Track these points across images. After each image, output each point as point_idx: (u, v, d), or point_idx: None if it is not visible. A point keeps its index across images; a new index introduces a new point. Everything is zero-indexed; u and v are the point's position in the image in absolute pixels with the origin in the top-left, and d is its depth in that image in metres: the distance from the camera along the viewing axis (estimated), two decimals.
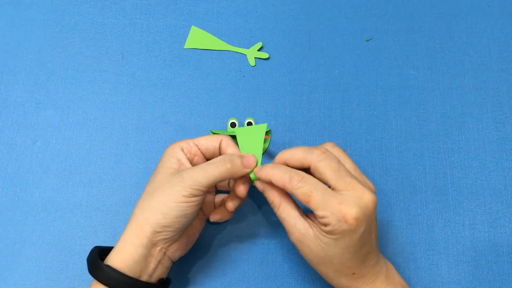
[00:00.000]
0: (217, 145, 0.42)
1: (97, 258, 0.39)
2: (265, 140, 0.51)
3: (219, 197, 0.46)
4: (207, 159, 0.43)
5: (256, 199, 0.50)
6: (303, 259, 0.48)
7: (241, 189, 0.42)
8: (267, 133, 0.52)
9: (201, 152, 0.42)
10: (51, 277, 0.47)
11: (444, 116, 0.53)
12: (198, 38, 0.55)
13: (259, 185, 0.41)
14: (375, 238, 0.40)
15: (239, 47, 0.55)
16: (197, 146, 0.42)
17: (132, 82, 0.54)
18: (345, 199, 0.36)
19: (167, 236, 0.39)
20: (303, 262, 0.48)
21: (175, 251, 0.42)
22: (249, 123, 0.51)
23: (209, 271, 0.47)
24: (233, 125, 0.51)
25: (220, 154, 0.42)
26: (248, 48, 0.55)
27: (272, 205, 0.40)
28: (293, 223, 0.39)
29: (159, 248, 0.40)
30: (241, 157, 0.40)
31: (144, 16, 0.56)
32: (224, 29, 0.56)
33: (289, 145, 0.52)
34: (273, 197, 0.40)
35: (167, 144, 0.51)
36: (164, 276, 0.42)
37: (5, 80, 0.53)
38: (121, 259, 0.38)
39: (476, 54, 0.56)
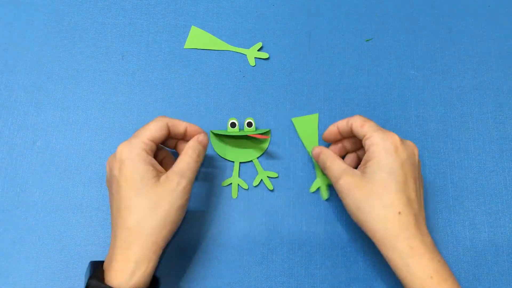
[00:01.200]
0: (167, 131, 0.44)
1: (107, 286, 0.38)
2: (264, 140, 0.51)
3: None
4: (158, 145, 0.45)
5: (255, 200, 0.50)
6: (303, 259, 0.48)
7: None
8: (266, 133, 0.52)
9: (156, 144, 0.43)
10: (51, 277, 0.47)
11: (444, 116, 0.53)
12: (198, 38, 0.55)
13: (316, 149, 0.47)
14: (417, 192, 0.41)
15: (239, 47, 0.55)
16: (153, 142, 0.43)
17: (132, 82, 0.54)
18: (389, 131, 0.43)
19: (172, 236, 0.42)
20: (303, 263, 0.48)
21: None
22: (249, 123, 0.51)
23: (209, 271, 0.47)
24: (233, 125, 0.51)
25: (169, 134, 0.45)
26: (248, 48, 0.55)
27: (325, 162, 0.45)
28: (343, 168, 0.43)
29: (163, 250, 0.41)
30: (200, 142, 0.44)
31: (144, 16, 0.56)
32: (224, 29, 0.56)
33: (289, 145, 0.52)
34: (328, 153, 0.46)
35: None
36: None
37: (5, 80, 0.53)
38: (141, 279, 0.39)
39: (476, 54, 0.56)
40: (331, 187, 0.50)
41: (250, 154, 0.51)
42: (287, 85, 0.54)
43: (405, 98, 0.54)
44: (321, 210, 0.49)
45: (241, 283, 0.47)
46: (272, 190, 0.50)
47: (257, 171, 0.51)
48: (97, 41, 0.55)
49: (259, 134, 0.49)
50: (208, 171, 0.51)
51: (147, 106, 0.53)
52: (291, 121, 0.52)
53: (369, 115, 0.53)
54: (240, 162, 0.51)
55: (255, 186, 0.50)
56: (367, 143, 0.42)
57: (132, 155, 0.41)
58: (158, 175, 0.41)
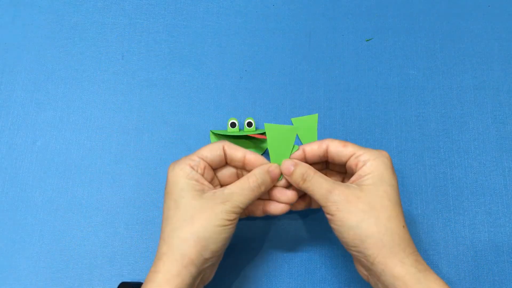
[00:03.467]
0: (222, 153, 0.42)
1: None
2: (265, 140, 0.51)
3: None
4: (214, 169, 0.43)
5: None
6: (303, 259, 0.48)
7: (289, 196, 0.43)
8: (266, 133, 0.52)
9: (209, 164, 0.41)
10: (51, 277, 0.47)
11: (444, 116, 0.53)
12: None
13: (288, 162, 0.41)
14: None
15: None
16: (203, 159, 0.41)
17: (132, 82, 0.54)
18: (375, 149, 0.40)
19: (214, 261, 0.39)
20: (302, 263, 0.48)
21: (210, 276, 0.42)
22: (249, 123, 0.51)
23: None
24: (233, 125, 0.51)
25: (226, 159, 0.42)
26: None
27: (304, 177, 0.40)
28: (332, 182, 0.39)
29: (201, 276, 0.39)
30: (269, 172, 0.41)
31: (144, 16, 0.56)
32: (224, 29, 0.56)
33: None
34: (307, 166, 0.41)
35: (167, 144, 0.51)
36: None
37: (5, 80, 0.53)
38: None
39: (476, 54, 0.56)
40: None
41: None
42: (287, 85, 0.54)
43: (405, 98, 0.54)
44: (321, 210, 0.49)
45: (241, 283, 0.47)
46: None
47: None
48: (97, 41, 0.55)
49: (259, 134, 0.49)
50: None
51: (147, 106, 0.53)
52: (291, 121, 0.52)
53: (369, 115, 0.53)
54: None
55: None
56: (360, 159, 0.39)
57: (176, 170, 0.39)
58: (203, 189, 0.39)
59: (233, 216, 0.38)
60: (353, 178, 0.40)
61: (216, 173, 0.43)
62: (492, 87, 0.54)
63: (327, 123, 0.52)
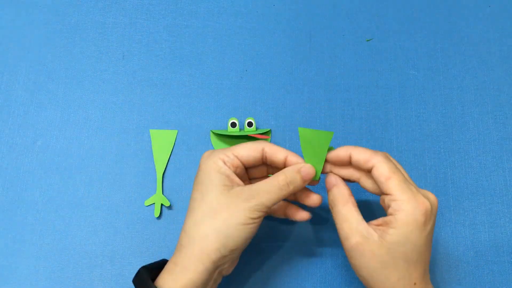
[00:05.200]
0: (259, 156, 0.41)
1: (152, 284, 0.37)
2: (265, 141, 0.51)
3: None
4: (247, 168, 0.42)
5: None
6: (303, 259, 0.48)
7: (315, 200, 0.42)
8: (267, 133, 0.52)
9: (242, 163, 0.41)
10: (51, 277, 0.47)
11: (444, 116, 0.53)
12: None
13: (332, 179, 0.40)
14: (429, 254, 0.38)
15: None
16: (237, 158, 0.40)
17: (132, 82, 0.54)
18: (418, 192, 0.37)
19: (232, 259, 0.39)
20: (303, 263, 0.48)
21: (230, 268, 0.41)
22: (249, 123, 0.51)
23: None
24: (233, 125, 0.51)
25: (262, 159, 0.41)
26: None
27: (334, 203, 0.39)
28: (355, 225, 0.37)
29: (219, 270, 0.39)
30: (300, 171, 0.39)
31: (144, 16, 0.56)
32: (224, 29, 0.56)
33: (289, 145, 0.52)
34: (343, 192, 0.39)
35: None
36: None
37: (5, 80, 0.53)
38: (182, 286, 0.36)
39: (476, 54, 0.56)
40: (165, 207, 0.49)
41: None
42: (287, 85, 0.54)
43: (405, 98, 0.54)
44: (321, 210, 0.49)
45: (241, 283, 0.47)
46: None
47: None
48: (97, 41, 0.55)
49: (259, 134, 0.49)
50: None
51: (147, 106, 0.53)
52: (292, 122, 0.52)
53: (369, 115, 0.53)
54: None
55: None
56: (392, 205, 0.37)
57: (209, 163, 0.39)
58: (232, 186, 0.39)
59: (257, 215, 0.37)
60: (379, 221, 0.38)
61: (247, 169, 0.43)
62: (493, 87, 0.55)
63: (327, 123, 0.52)
